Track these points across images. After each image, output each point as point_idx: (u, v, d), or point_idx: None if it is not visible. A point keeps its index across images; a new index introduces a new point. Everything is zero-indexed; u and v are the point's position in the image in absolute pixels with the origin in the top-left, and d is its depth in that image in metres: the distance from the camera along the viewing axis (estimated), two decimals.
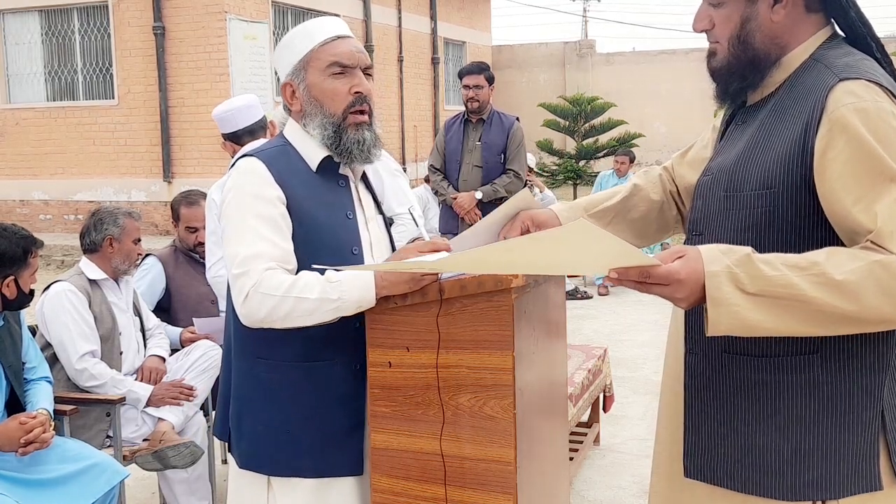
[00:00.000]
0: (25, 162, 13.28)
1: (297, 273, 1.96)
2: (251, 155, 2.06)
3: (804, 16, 1.72)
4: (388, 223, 2.33)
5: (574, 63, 20.59)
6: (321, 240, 2.02)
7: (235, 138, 3.67)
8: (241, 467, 2.11)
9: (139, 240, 3.59)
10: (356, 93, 2.06)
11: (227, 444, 2.19)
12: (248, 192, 1.98)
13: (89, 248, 3.52)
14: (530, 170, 7.85)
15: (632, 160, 9.28)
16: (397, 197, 3.47)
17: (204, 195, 4.03)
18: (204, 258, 3.82)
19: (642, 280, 1.54)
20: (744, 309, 1.51)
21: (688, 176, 2.01)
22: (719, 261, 1.53)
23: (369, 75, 2.11)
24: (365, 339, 2.02)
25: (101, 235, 3.50)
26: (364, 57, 2.10)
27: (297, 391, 2.03)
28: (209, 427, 3.72)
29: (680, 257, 1.55)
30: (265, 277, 1.90)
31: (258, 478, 2.08)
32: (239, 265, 1.93)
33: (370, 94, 2.09)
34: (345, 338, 2.04)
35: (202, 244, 3.90)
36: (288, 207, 1.99)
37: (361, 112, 2.07)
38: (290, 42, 2.11)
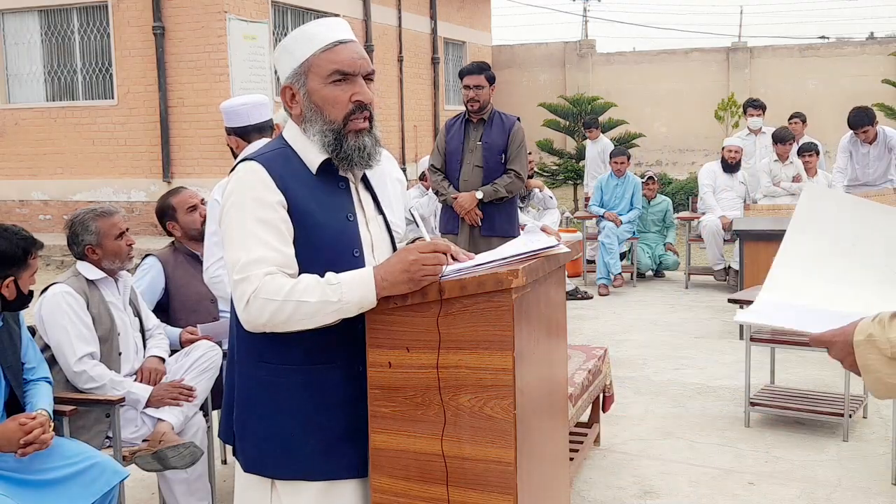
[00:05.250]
0: (25, 162, 13.27)
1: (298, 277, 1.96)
2: (251, 158, 2.05)
3: None
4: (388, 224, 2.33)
5: (574, 63, 20.58)
6: (322, 243, 2.02)
7: (244, 133, 3.67)
8: (245, 471, 2.10)
9: (123, 233, 3.52)
10: (357, 101, 2.05)
11: (231, 447, 2.19)
12: (249, 196, 1.98)
13: (78, 257, 3.53)
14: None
15: (628, 158, 9.28)
16: (392, 205, 3.49)
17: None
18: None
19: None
20: (885, 375, 1.55)
21: None
22: (865, 330, 1.56)
23: (370, 80, 2.10)
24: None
25: (80, 248, 3.48)
26: (365, 63, 2.08)
27: (301, 394, 2.03)
28: (209, 427, 3.71)
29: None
30: (265, 282, 1.90)
31: (262, 481, 2.08)
32: (239, 271, 1.93)
33: (371, 102, 2.08)
34: (347, 341, 2.03)
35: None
36: (289, 211, 1.99)
37: (362, 119, 2.06)
38: (290, 45, 2.09)
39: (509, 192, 5.36)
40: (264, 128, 3.69)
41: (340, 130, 2.05)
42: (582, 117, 14.90)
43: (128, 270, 3.66)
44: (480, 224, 5.38)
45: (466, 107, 5.45)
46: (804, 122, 9.78)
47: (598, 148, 10.97)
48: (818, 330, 1.68)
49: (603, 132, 14.93)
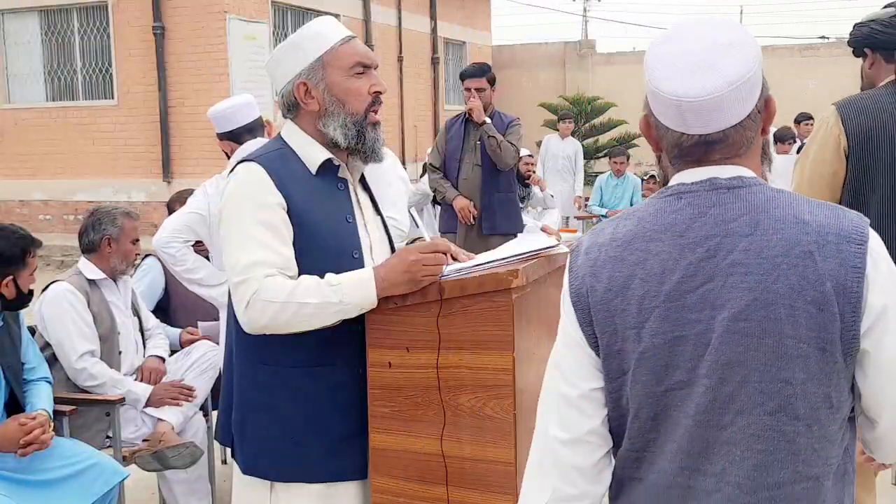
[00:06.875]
0: (25, 162, 13.26)
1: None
2: (250, 160, 2.04)
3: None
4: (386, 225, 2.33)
5: (574, 63, 20.58)
6: (321, 244, 2.01)
7: (234, 136, 3.62)
8: (244, 473, 2.10)
9: (137, 240, 3.58)
10: (375, 92, 2.11)
11: (230, 448, 2.18)
12: (249, 198, 1.98)
13: (87, 248, 3.51)
14: (530, 156, 7.67)
15: (627, 158, 9.31)
16: (396, 203, 3.48)
17: None
18: (207, 257, 3.78)
19: None
20: None
21: None
22: None
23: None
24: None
25: (98, 235, 3.48)
26: (375, 56, 2.16)
27: (300, 396, 2.02)
28: (209, 427, 3.71)
29: None
30: (265, 284, 1.89)
31: (261, 483, 2.07)
32: (240, 273, 1.92)
33: (385, 92, 2.15)
34: (347, 342, 2.03)
35: (200, 241, 3.86)
36: (288, 212, 1.98)
37: (376, 112, 2.11)
38: (300, 43, 2.09)
39: (502, 146, 5.19)
40: (255, 127, 3.61)
41: (362, 122, 2.08)
42: (582, 117, 14.93)
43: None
44: (473, 222, 5.36)
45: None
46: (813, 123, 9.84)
47: (571, 149, 10.29)
48: None
49: (603, 132, 14.96)
